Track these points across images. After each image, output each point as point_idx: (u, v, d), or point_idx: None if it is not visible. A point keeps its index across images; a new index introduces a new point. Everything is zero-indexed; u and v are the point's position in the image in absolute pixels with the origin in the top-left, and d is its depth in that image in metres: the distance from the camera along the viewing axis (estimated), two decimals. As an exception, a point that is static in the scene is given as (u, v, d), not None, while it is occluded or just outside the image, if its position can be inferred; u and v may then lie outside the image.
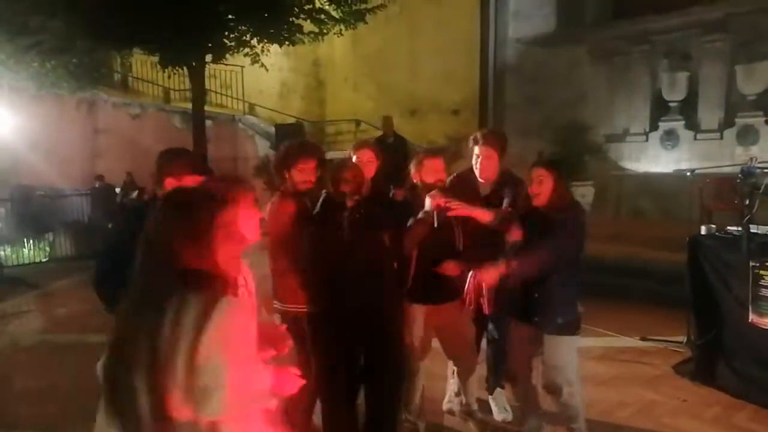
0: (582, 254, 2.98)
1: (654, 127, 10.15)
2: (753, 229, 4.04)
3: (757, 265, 3.79)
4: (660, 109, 10.15)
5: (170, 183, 2.43)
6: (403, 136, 9.81)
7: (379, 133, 9.99)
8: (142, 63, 13.96)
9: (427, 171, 3.18)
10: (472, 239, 3.16)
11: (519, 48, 11.66)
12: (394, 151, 9.22)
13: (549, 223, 2.82)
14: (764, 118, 8.94)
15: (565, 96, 10.81)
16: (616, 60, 10.65)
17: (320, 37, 10.33)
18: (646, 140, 10.21)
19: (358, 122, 14.49)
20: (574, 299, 2.93)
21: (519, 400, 3.31)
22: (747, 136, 9.08)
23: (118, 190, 11.95)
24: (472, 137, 3.47)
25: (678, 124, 9.86)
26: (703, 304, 4.27)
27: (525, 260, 2.81)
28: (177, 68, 9.70)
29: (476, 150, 3.37)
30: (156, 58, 9.78)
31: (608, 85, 10.71)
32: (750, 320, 3.83)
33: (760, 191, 3.98)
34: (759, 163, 4.39)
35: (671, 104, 9.96)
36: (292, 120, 14.25)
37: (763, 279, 3.76)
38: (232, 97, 15.03)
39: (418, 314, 3.18)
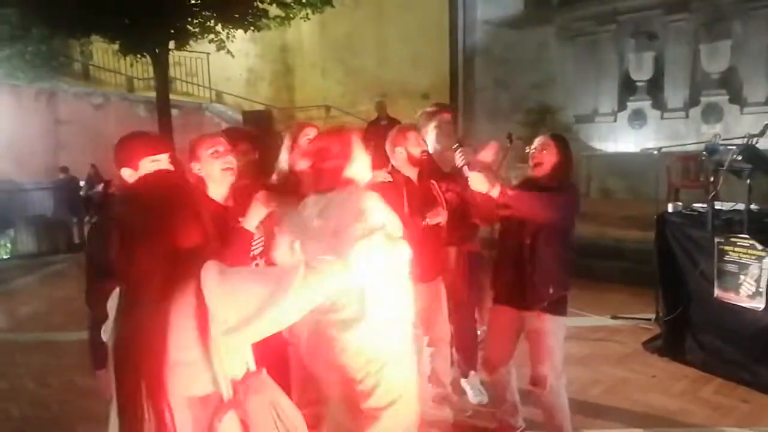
0: (573, 233, 2.87)
1: (622, 107, 10.24)
2: (718, 205, 4.09)
3: (722, 240, 3.86)
4: (628, 89, 10.25)
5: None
6: (396, 118, 9.72)
7: (349, 118, 9.90)
8: (103, 51, 13.56)
9: (413, 143, 3.06)
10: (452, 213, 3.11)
11: (488, 30, 11.62)
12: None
13: (545, 191, 2.70)
14: (728, 96, 9.10)
15: (534, 78, 10.84)
16: (584, 41, 10.69)
17: (287, 22, 10.17)
18: (615, 120, 10.30)
19: (327, 108, 14.34)
20: (565, 277, 2.81)
21: (493, 389, 3.26)
22: (711, 114, 9.23)
23: (82, 183, 11.63)
24: (426, 111, 3.48)
25: (645, 104, 9.97)
26: (671, 281, 4.34)
27: (521, 194, 2.67)
28: (139, 56, 9.44)
29: (434, 122, 3.38)
30: (116, 46, 9.50)
31: (576, 66, 10.76)
32: (715, 295, 3.89)
33: (724, 168, 4.03)
34: (722, 140, 4.46)
35: (638, 84, 10.06)
36: (260, 107, 14.03)
37: (728, 254, 3.82)
38: (198, 85, 14.73)
39: None
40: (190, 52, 11.20)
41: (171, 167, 2.16)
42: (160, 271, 1.29)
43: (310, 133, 3.20)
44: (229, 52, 9.83)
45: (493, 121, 10.52)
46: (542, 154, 2.80)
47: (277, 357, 2.44)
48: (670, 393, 3.69)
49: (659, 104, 9.87)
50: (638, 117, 10.01)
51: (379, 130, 9.62)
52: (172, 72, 11.29)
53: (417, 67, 12.59)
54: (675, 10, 9.56)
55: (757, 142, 4.16)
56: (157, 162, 2.12)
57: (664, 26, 9.75)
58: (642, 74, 9.95)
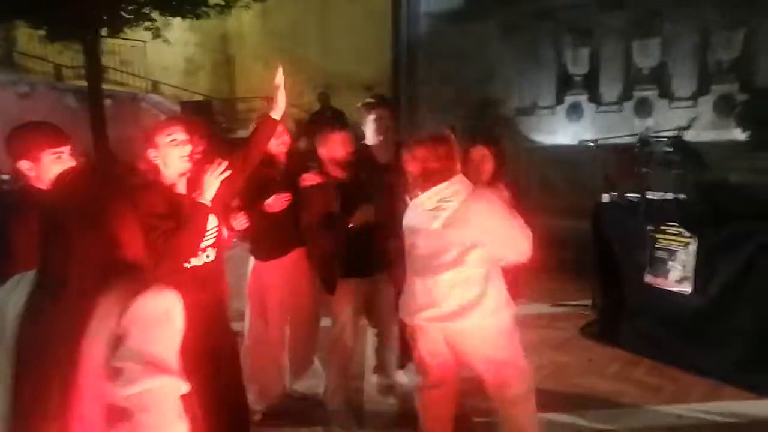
0: None
1: (560, 100, 10.54)
2: (649, 195, 4.28)
3: (653, 228, 4.03)
4: (566, 83, 10.55)
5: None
6: (341, 110, 9.63)
7: (293, 109, 9.75)
8: (29, 37, 12.78)
9: (332, 146, 3.12)
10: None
11: (431, 23, 11.69)
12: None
13: None
14: (657, 91, 9.52)
15: (476, 71, 10.98)
16: (524, 35, 10.92)
17: (227, 11, 9.90)
18: (554, 113, 10.60)
19: (269, 99, 14.08)
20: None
21: None
22: (643, 108, 9.64)
23: (6, 177, 10.95)
24: (365, 103, 3.47)
25: (582, 98, 10.30)
26: (606, 268, 4.51)
27: None
28: (68, 43, 8.97)
29: (372, 115, 3.38)
30: (43, 32, 8.99)
31: (517, 60, 10.97)
32: (646, 281, 4.07)
33: (655, 159, 4.23)
34: (653, 133, 4.67)
35: (575, 78, 10.38)
36: (199, 97, 13.63)
37: (658, 242, 4.00)
38: (134, 75, 14.13)
39: (349, 289, 3.14)
40: (125, 39, 10.74)
41: (72, 161, 2.14)
42: (87, 268, 1.22)
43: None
44: (165, 40, 9.49)
45: (435, 113, 10.60)
46: (483, 166, 2.90)
47: (227, 351, 2.51)
48: (604, 375, 3.85)
49: (595, 98, 10.21)
50: (575, 110, 10.33)
51: (323, 122, 9.60)
52: (106, 60, 10.78)
53: (360, 58, 12.52)
54: (610, 8, 9.90)
55: (684, 135, 4.38)
56: (59, 154, 2.12)
57: (600, 23, 10.08)
58: (578, 69, 10.26)
